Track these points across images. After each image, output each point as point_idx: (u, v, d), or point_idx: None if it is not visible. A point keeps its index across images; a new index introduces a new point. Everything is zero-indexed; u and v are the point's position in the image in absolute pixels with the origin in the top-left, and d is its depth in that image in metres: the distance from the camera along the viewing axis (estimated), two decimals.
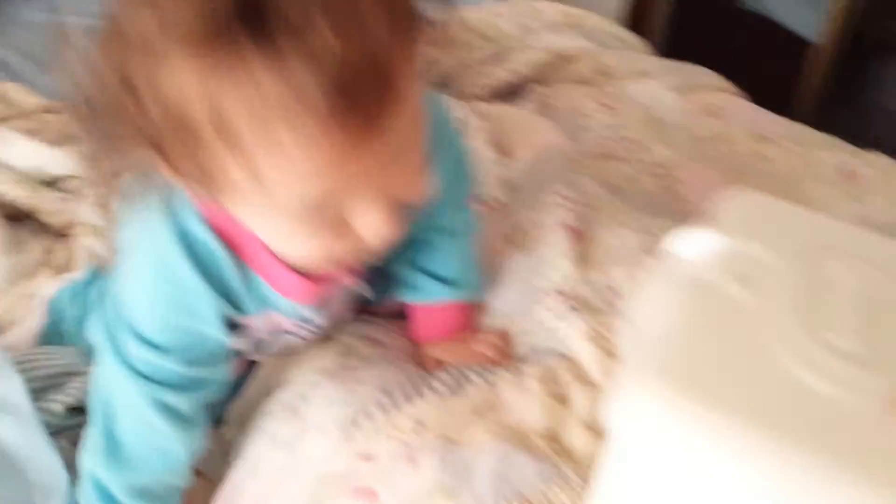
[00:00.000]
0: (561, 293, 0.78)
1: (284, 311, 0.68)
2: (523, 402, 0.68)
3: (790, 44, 2.44)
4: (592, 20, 1.72)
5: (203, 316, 0.63)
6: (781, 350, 0.34)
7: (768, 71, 2.43)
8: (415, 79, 0.47)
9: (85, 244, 0.91)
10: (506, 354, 0.77)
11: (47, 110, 1.22)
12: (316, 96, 0.41)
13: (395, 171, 0.48)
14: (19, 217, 0.99)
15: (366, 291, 0.76)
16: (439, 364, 0.78)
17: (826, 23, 2.31)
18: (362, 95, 0.42)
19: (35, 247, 0.94)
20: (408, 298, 0.82)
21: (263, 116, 0.42)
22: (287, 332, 0.74)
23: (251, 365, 0.80)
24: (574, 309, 0.76)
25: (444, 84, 1.32)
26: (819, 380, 0.33)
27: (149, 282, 0.62)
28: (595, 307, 0.77)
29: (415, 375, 0.74)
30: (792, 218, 0.52)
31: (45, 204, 0.98)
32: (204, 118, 0.43)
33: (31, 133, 1.08)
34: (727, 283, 0.38)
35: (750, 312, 0.37)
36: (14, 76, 1.38)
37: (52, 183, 1.04)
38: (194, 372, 0.66)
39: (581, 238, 0.86)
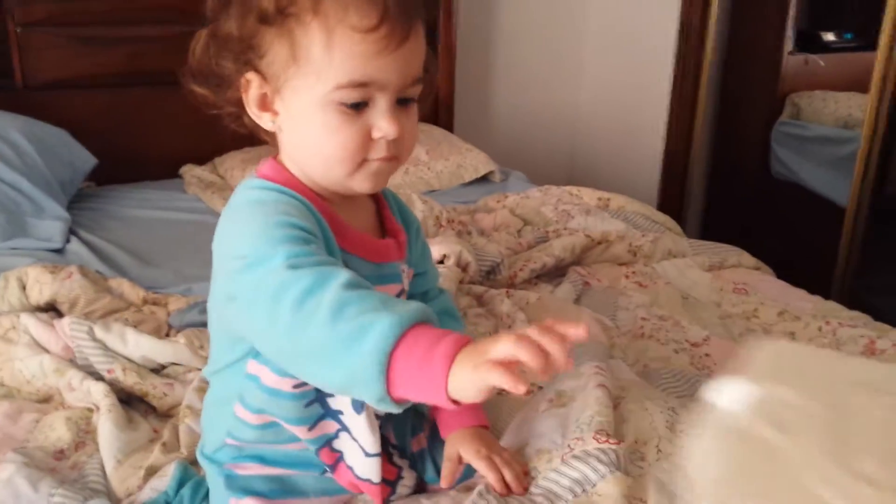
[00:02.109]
0: (599, 432, 0.84)
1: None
2: None
3: (822, 209, 2.55)
4: (625, 202, 1.87)
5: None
6: (814, 481, 0.41)
7: (803, 235, 2.55)
8: (423, 28, 0.76)
9: (186, 424, 1.04)
10: (524, 488, 0.84)
11: (147, 301, 1.40)
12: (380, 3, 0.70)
13: (406, 73, 0.74)
14: (130, 399, 1.13)
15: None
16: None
17: (856, 187, 2.41)
18: (401, 19, 0.71)
19: (145, 425, 1.08)
20: None
21: (345, 5, 0.70)
22: None
23: None
24: (607, 457, 0.81)
25: (492, 271, 1.47)
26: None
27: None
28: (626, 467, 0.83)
29: None
30: (814, 360, 0.59)
31: (154, 389, 1.13)
32: (308, 5, 0.71)
33: (138, 323, 1.25)
34: (762, 428, 0.45)
35: (783, 451, 0.43)
36: (119, 269, 1.56)
37: (157, 369, 1.19)
38: None
39: (615, 404, 0.93)
